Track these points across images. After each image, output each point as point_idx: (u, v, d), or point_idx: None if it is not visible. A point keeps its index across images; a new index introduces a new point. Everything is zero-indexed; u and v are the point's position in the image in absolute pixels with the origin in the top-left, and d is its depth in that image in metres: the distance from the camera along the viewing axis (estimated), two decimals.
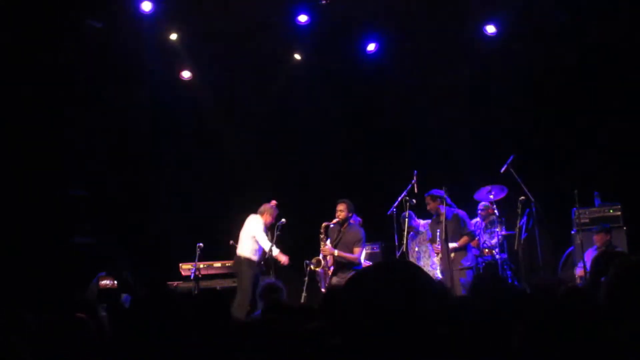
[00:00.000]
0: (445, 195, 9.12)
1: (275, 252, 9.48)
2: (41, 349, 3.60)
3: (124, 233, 10.72)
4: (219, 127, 11.81)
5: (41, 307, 4.97)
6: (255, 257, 9.62)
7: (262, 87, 11.62)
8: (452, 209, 9.25)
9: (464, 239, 9.09)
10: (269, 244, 9.48)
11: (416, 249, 10.23)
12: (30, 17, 9.61)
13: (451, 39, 10.77)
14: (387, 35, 11.11)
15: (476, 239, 9.58)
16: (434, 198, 9.16)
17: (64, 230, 10.67)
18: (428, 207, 9.29)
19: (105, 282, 8.60)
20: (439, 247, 9.08)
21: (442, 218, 9.03)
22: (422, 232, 10.24)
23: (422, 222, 10.30)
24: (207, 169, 11.87)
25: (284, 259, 9.45)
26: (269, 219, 9.69)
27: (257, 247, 9.63)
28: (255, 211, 9.83)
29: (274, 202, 9.80)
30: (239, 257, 9.64)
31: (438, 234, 9.07)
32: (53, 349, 3.69)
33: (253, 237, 9.60)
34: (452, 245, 8.98)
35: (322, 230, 8.94)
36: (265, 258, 9.60)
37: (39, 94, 10.19)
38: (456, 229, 9.09)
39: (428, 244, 9.95)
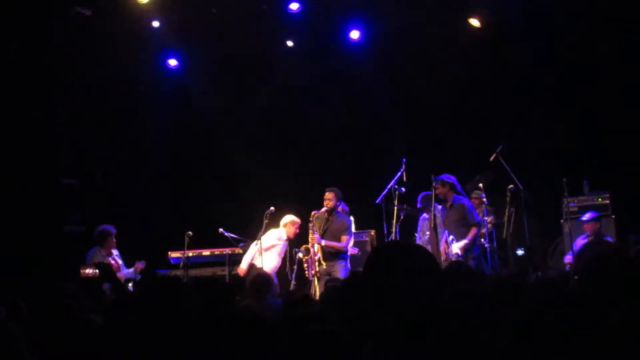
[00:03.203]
0: (456, 182, 9.03)
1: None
2: (34, 336, 3.62)
3: (113, 221, 10.69)
4: (208, 116, 11.78)
5: (32, 296, 4.98)
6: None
7: (252, 76, 11.58)
8: (460, 197, 9.12)
9: (474, 231, 8.89)
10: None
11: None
12: (17, 4, 9.56)
13: (440, 25, 10.74)
14: (375, 21, 11.07)
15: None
16: (444, 183, 9.00)
17: (55, 219, 10.67)
18: (436, 192, 9.07)
19: (88, 271, 8.53)
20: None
21: (447, 205, 8.97)
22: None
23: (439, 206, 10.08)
24: (196, 157, 11.86)
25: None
26: (292, 230, 9.52)
27: (277, 261, 9.52)
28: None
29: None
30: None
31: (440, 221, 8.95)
32: (45, 336, 3.71)
33: (279, 252, 9.46)
34: (464, 242, 8.74)
35: (311, 219, 8.98)
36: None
37: (28, 83, 10.15)
38: (461, 218, 8.94)
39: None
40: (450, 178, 8.99)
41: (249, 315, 3.38)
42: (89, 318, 4.09)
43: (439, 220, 9.27)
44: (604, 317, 2.53)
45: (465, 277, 4.13)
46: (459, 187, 9.07)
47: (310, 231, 8.95)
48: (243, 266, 9.45)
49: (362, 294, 2.37)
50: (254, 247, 9.42)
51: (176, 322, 2.83)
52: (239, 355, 2.98)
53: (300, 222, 9.50)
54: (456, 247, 8.67)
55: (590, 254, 3.36)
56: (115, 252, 10.30)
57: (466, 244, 8.72)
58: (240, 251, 9.86)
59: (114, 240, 10.18)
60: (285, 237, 9.54)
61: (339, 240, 8.91)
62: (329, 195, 8.96)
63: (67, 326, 3.87)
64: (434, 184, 8.99)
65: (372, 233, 10.63)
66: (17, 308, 4.81)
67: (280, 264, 9.56)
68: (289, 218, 9.56)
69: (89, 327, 3.90)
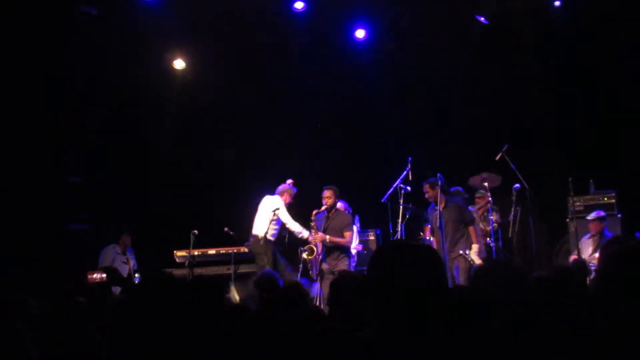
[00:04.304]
0: (444, 182, 9.04)
1: (306, 234, 9.23)
2: (43, 333, 3.64)
3: (119, 220, 10.73)
4: (215, 115, 11.79)
5: (41, 293, 5.01)
6: (272, 239, 9.45)
7: (257, 77, 11.58)
8: (452, 197, 9.18)
9: (475, 231, 8.98)
10: (298, 225, 9.33)
11: None
12: (22, 3, 9.59)
13: (446, 24, 10.70)
14: (380, 20, 11.07)
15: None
16: (432, 185, 9.03)
17: (60, 217, 10.70)
18: (427, 196, 9.13)
19: (95, 276, 8.59)
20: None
21: (441, 206, 8.97)
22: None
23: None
24: (202, 157, 11.86)
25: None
26: (288, 199, 9.57)
27: (275, 228, 9.47)
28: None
29: (290, 181, 9.70)
30: (257, 237, 9.40)
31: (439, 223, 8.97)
32: (55, 333, 3.73)
33: (272, 218, 9.37)
34: (476, 247, 8.78)
35: (312, 218, 8.98)
36: (282, 236, 9.56)
37: (33, 81, 10.17)
38: (457, 216, 9.00)
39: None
40: (439, 179, 8.97)
41: (241, 313, 3.38)
42: (98, 318, 4.12)
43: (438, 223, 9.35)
44: (606, 317, 2.52)
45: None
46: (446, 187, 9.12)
47: (313, 230, 8.97)
48: (305, 234, 9.26)
49: (367, 292, 2.37)
50: (260, 221, 9.43)
51: (169, 321, 2.84)
52: (237, 355, 2.99)
53: (295, 190, 9.61)
54: (475, 256, 8.68)
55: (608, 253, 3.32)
56: (129, 250, 10.38)
57: (480, 247, 8.85)
58: (246, 250, 9.86)
59: (130, 238, 10.26)
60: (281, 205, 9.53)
61: (342, 236, 8.94)
62: (327, 193, 8.98)
63: (78, 325, 3.89)
64: (439, 183, 8.99)
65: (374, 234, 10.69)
66: (26, 305, 4.83)
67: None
68: (285, 186, 9.60)
69: (98, 327, 3.93)
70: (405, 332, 2.18)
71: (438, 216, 8.95)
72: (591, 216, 9.41)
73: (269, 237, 9.38)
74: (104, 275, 8.52)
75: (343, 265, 8.82)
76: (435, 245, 9.16)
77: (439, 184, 8.91)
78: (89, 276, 8.84)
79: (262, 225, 9.44)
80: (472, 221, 9.09)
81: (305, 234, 9.25)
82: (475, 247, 8.82)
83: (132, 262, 10.34)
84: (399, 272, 2.23)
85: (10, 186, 9.87)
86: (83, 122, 10.94)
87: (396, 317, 2.20)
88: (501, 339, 2.41)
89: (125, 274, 10.00)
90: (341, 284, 4.11)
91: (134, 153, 11.46)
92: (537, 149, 10.75)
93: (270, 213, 9.39)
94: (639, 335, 2.33)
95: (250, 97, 11.74)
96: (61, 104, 10.59)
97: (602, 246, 4.75)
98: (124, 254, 10.29)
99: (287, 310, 4.40)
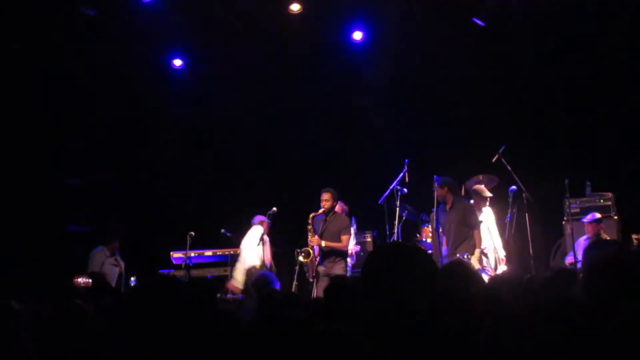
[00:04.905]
0: (454, 183, 8.99)
1: (238, 276, 9.44)
2: (42, 337, 3.65)
3: (117, 221, 10.75)
4: (213, 117, 11.81)
5: (38, 295, 5.02)
6: (266, 260, 9.60)
7: (257, 76, 11.60)
8: (461, 199, 9.09)
9: (479, 236, 8.81)
10: (241, 273, 9.45)
11: None
12: (21, 4, 9.61)
13: (443, 25, 10.70)
14: (378, 18, 11.07)
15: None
16: (441, 185, 8.88)
17: (59, 219, 10.72)
18: (435, 194, 8.99)
19: (80, 280, 8.55)
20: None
21: (449, 206, 8.94)
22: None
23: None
24: (199, 158, 11.89)
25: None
26: (267, 229, 9.67)
27: (261, 254, 9.58)
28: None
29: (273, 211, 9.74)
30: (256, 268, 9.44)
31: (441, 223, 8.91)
32: (53, 336, 3.74)
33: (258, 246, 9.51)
34: (478, 252, 8.70)
35: (309, 221, 8.96)
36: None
37: (33, 82, 10.20)
38: (461, 218, 8.87)
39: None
40: (436, 181, 8.92)
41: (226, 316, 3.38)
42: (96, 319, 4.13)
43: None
44: (602, 320, 2.52)
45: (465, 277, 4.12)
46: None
47: (310, 233, 8.94)
48: (239, 277, 9.47)
49: (361, 294, 2.39)
50: (251, 252, 9.42)
51: (170, 322, 2.86)
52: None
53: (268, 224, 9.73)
54: (476, 261, 8.63)
55: (595, 254, 3.32)
56: (117, 252, 10.36)
57: (480, 251, 8.75)
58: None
59: (118, 242, 10.24)
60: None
61: (338, 239, 8.89)
62: (325, 196, 8.93)
63: (77, 326, 3.90)
64: (435, 185, 8.97)
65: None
66: (25, 307, 4.82)
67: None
68: (261, 217, 9.70)
69: (96, 329, 3.93)
70: (399, 333, 2.20)
71: (434, 217, 8.95)
72: (586, 218, 9.42)
73: (261, 263, 9.45)
74: (89, 280, 8.47)
75: (339, 268, 8.77)
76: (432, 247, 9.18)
77: (436, 185, 8.89)
78: (75, 280, 8.79)
79: (254, 256, 9.52)
80: (477, 225, 8.97)
81: (238, 274, 9.44)
82: (477, 251, 8.73)
83: (122, 264, 10.31)
84: (392, 273, 2.25)
85: (10, 187, 9.90)
86: (83, 123, 10.97)
87: (390, 318, 2.22)
88: (497, 340, 2.43)
89: (115, 277, 9.95)
90: (334, 289, 4.12)
91: (132, 154, 11.49)
92: (533, 150, 10.75)
93: (258, 240, 9.47)
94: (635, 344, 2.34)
95: (248, 98, 11.76)
96: (61, 104, 10.62)
97: (584, 252, 4.73)
98: (112, 255, 10.25)
99: (286, 310, 4.41)
